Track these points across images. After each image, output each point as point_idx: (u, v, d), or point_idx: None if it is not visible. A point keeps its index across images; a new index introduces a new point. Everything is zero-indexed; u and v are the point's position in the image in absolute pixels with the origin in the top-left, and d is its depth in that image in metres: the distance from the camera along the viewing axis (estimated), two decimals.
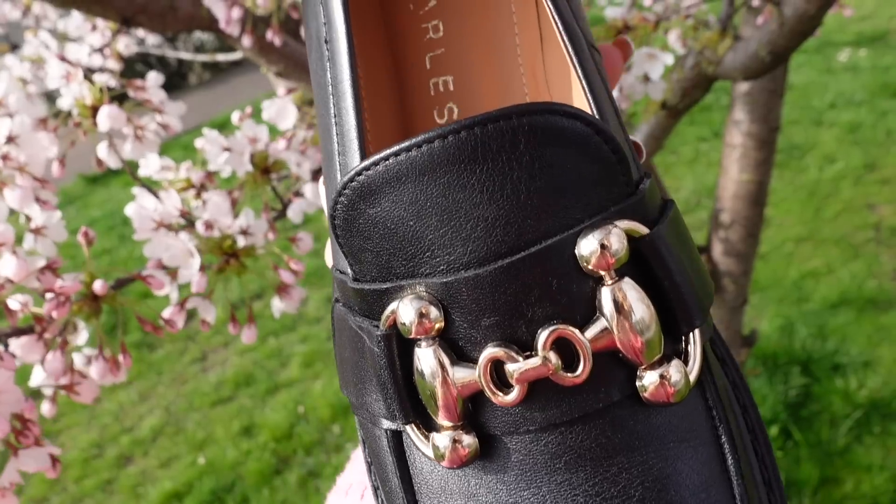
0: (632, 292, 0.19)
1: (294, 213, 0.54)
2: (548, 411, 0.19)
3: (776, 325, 1.69)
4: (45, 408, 0.41)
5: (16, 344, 0.38)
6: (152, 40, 1.67)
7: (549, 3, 0.24)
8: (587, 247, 0.19)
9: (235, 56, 1.21)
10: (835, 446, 1.36)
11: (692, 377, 0.20)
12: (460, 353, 0.19)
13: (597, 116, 0.22)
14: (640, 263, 0.20)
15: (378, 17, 0.32)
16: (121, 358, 0.40)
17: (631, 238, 0.19)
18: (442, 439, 0.20)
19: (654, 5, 0.90)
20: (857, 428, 1.39)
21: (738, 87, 1.02)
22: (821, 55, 3.17)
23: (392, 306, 0.20)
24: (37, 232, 0.44)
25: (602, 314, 0.19)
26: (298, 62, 0.80)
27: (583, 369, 0.19)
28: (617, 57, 0.29)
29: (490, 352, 0.19)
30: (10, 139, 0.44)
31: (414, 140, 0.19)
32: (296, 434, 1.70)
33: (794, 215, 2.12)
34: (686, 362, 0.20)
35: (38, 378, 0.40)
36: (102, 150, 0.50)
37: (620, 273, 0.19)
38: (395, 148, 0.19)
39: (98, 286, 0.39)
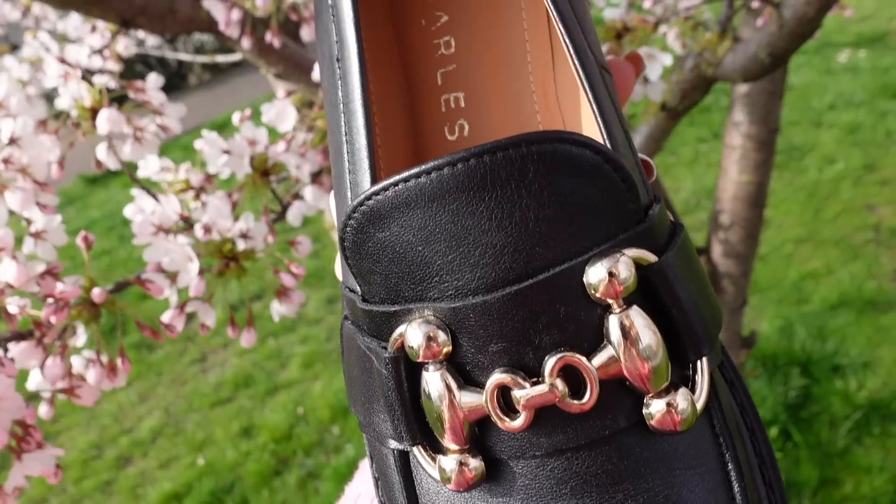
0: (639, 320, 0.19)
1: (293, 215, 0.53)
2: (554, 437, 0.19)
3: (776, 327, 1.69)
4: (43, 410, 0.41)
5: (15, 349, 0.38)
6: (152, 41, 1.67)
7: (560, 27, 0.24)
8: (595, 275, 0.19)
9: (235, 57, 1.21)
10: (834, 447, 1.36)
11: (699, 405, 0.20)
12: (468, 378, 0.19)
13: (607, 142, 0.22)
14: (648, 290, 0.20)
15: (390, 33, 0.32)
16: (119, 363, 0.40)
17: (639, 265, 0.19)
18: (448, 462, 0.20)
19: (654, 7, 0.89)
20: (856, 429, 1.39)
21: (738, 88, 1.02)
22: (820, 56, 3.17)
23: (400, 329, 0.20)
24: (37, 236, 0.44)
25: (609, 342, 0.19)
26: (298, 64, 0.80)
27: (590, 397, 0.19)
28: (629, 72, 0.29)
29: (497, 377, 0.19)
30: (13, 141, 0.44)
31: (424, 167, 0.19)
32: (295, 435, 1.70)
33: (794, 216, 2.12)
34: (693, 390, 0.20)
35: (36, 382, 0.40)
36: (102, 152, 0.50)
37: (628, 301, 0.19)
38: (405, 174, 0.19)
39: (96, 294, 0.39)
